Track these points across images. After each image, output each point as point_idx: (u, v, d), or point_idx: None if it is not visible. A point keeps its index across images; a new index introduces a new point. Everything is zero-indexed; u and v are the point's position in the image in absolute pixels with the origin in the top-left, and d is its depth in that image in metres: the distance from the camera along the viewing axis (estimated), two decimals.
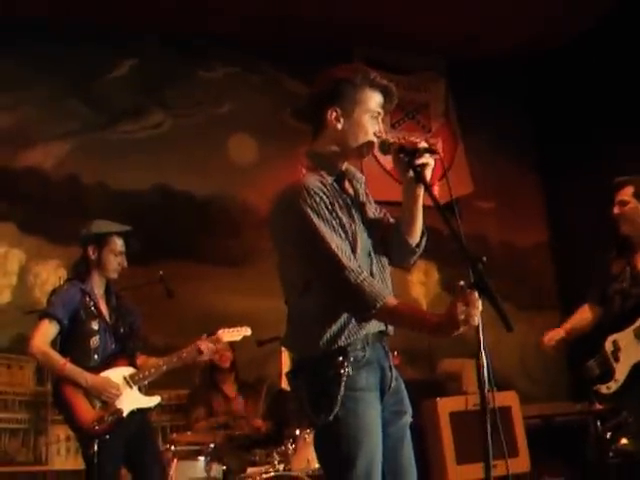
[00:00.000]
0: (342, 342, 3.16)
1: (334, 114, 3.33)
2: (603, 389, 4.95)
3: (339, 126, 3.33)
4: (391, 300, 3.06)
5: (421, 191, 3.29)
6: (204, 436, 6.26)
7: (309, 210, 3.16)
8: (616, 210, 5.06)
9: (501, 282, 7.69)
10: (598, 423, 6.50)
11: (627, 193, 5.05)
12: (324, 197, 3.20)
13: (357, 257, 3.20)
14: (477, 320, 2.89)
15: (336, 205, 3.24)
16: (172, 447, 5.94)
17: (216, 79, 8.26)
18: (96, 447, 4.84)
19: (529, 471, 6.46)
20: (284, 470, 5.79)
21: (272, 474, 5.68)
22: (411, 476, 3.31)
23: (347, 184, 3.43)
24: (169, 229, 7.69)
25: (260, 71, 8.47)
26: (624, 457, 6.20)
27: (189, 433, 6.42)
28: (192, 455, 6.08)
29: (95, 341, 5.18)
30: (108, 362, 5.21)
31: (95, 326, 5.21)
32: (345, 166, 3.44)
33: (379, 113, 3.36)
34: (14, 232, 7.27)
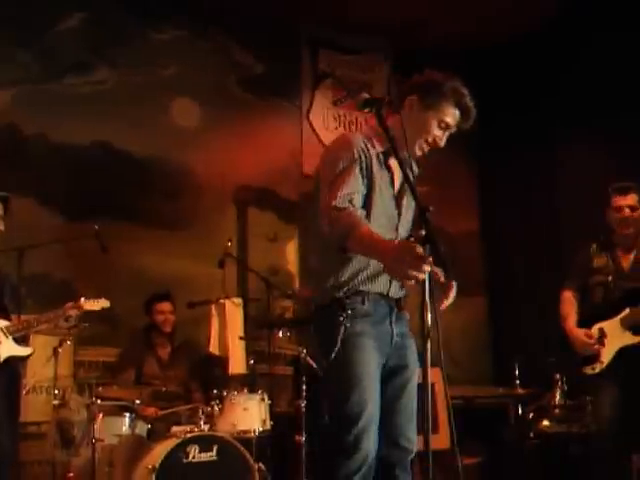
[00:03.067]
0: (341, 293, 3.51)
1: (412, 101, 3.65)
2: (589, 370, 5.45)
3: (410, 113, 3.64)
4: (362, 229, 3.28)
5: None
6: (130, 392, 6.30)
7: (345, 153, 3.53)
8: (626, 213, 5.52)
9: None
10: (519, 406, 6.76)
11: (634, 199, 5.54)
12: (362, 154, 3.54)
13: (370, 216, 3.51)
14: (423, 275, 3.03)
15: (371, 166, 3.55)
16: (98, 401, 5.94)
17: (165, 41, 8.14)
18: None
19: (448, 448, 6.56)
20: (209, 430, 5.84)
21: (197, 434, 5.71)
22: (407, 420, 3.63)
23: (394, 163, 3.63)
24: (107, 187, 7.58)
25: (209, 38, 8.40)
26: (544, 438, 6.57)
27: (115, 387, 6.45)
28: (118, 411, 6.14)
29: None
30: None
31: None
32: (406, 153, 3.67)
33: (448, 125, 3.65)
34: None
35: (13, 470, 5.86)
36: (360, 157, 3.51)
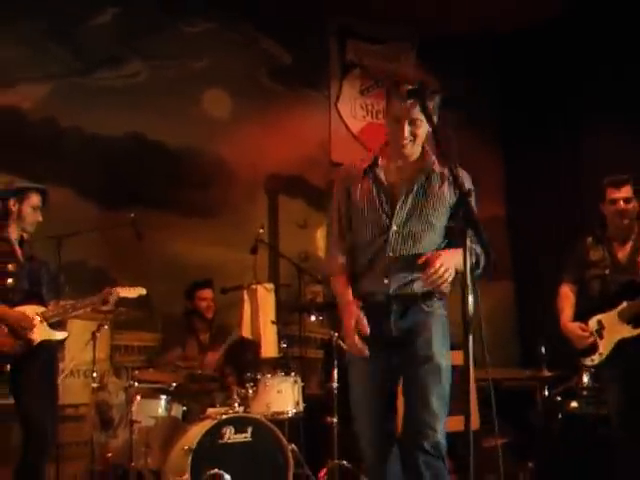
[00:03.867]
0: None
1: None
2: (588, 361, 5.51)
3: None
4: (332, 281, 3.95)
5: None
6: (167, 375, 6.45)
7: (333, 194, 4.01)
8: (621, 205, 5.48)
9: None
10: (546, 388, 6.84)
11: (628, 191, 5.50)
12: (340, 187, 3.93)
13: (353, 229, 3.88)
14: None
15: (349, 192, 3.88)
16: (135, 383, 6.08)
17: (196, 33, 8.32)
18: (9, 366, 5.39)
19: (478, 429, 6.65)
20: (243, 412, 5.94)
21: (232, 415, 5.82)
22: (422, 406, 3.77)
23: (381, 170, 3.85)
24: (140, 177, 7.77)
25: (239, 30, 8.55)
26: (572, 419, 6.62)
27: (151, 370, 6.59)
28: (154, 393, 6.25)
29: (11, 281, 5.54)
30: (22, 299, 5.55)
31: (12, 268, 5.57)
32: (427, 163, 3.86)
33: (400, 118, 3.69)
34: None
35: (53, 451, 6.05)
36: (339, 191, 3.93)
